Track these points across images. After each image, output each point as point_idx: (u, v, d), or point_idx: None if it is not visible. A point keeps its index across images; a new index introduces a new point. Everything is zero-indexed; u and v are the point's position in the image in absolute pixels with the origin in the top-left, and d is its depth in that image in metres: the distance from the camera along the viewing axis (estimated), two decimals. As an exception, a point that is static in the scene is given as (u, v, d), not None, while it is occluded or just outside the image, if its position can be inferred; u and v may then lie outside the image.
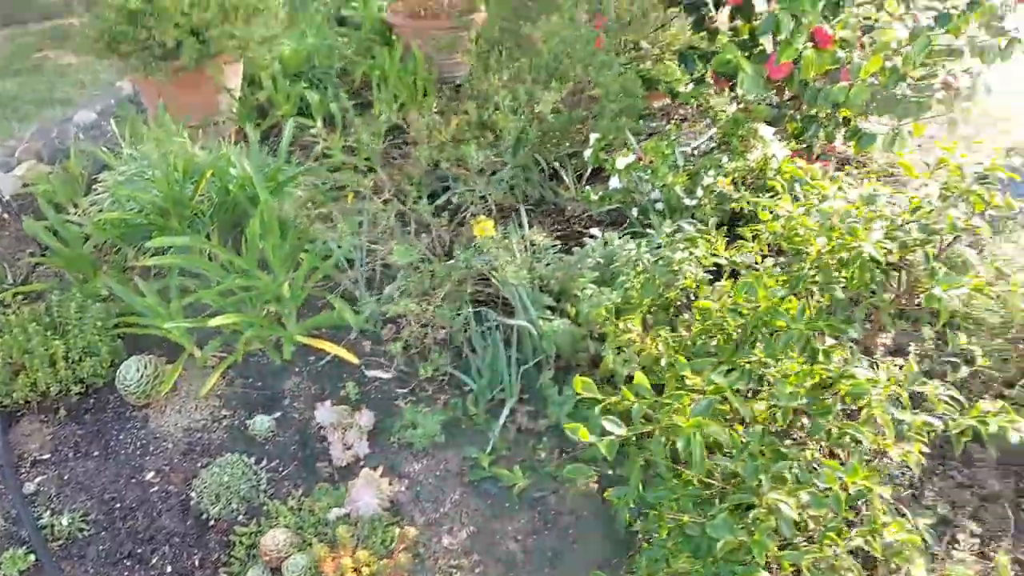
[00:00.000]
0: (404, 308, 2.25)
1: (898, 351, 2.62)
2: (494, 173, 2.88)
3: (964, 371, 2.07)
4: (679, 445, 1.44)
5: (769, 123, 3.79)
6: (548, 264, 2.42)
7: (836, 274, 1.69)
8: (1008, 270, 1.98)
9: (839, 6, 3.16)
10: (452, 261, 2.42)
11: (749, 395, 1.73)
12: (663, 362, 1.81)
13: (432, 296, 2.39)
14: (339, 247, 2.64)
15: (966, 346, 2.07)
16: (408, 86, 4.29)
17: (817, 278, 1.75)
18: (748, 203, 2.13)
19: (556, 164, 3.51)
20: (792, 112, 3.45)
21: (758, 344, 1.70)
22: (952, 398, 1.84)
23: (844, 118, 3.40)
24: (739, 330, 1.77)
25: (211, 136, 3.80)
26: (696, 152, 3.55)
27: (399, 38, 4.63)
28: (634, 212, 2.94)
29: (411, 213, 2.55)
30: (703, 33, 3.69)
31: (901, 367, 1.85)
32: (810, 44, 3.02)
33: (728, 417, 1.79)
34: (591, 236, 2.86)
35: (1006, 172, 1.73)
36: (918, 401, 1.86)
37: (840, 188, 1.81)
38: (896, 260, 1.66)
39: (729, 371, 1.71)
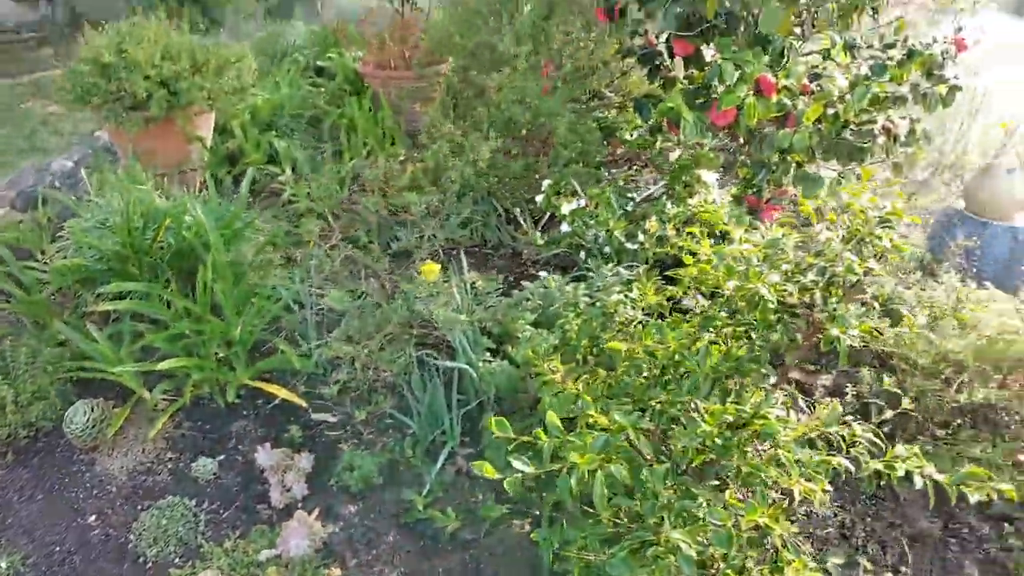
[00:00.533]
0: (338, 351, 2.30)
1: (837, 391, 2.66)
2: (448, 218, 2.95)
3: (888, 414, 2.09)
4: (572, 482, 1.47)
5: (724, 168, 3.88)
6: (489, 307, 2.47)
7: (746, 316, 1.74)
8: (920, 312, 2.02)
9: (783, 55, 3.27)
10: (393, 305, 2.48)
11: (661, 435, 1.76)
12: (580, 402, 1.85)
13: (375, 339, 2.44)
14: (286, 291, 2.70)
15: (891, 388, 2.10)
16: (375, 135, 4.40)
17: (730, 320, 1.79)
18: (673, 247, 2.19)
19: (517, 209, 3.59)
20: (744, 157, 3.54)
21: (670, 385, 1.74)
22: (870, 440, 1.87)
23: (797, 163, 3.49)
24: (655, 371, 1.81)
25: (175, 183, 3.89)
26: (652, 197, 3.63)
27: (369, 88, 4.76)
28: (582, 255, 3.01)
29: (361, 257, 2.62)
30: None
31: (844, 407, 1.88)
32: (755, 92, 3.12)
33: (647, 457, 1.82)
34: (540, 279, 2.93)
35: (908, 216, 1.78)
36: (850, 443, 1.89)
37: (747, 231, 1.87)
38: (796, 302, 1.71)
39: (640, 411, 1.75)
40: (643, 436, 1.63)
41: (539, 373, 2.04)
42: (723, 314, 1.82)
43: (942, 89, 3.31)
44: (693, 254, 2.08)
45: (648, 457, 1.80)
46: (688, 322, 1.98)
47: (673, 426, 1.85)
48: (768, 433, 1.73)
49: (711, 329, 1.87)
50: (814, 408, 2.13)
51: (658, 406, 1.74)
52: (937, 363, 2.37)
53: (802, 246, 1.84)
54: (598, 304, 2.36)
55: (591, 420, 1.63)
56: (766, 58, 3.26)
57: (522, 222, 3.56)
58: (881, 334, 1.78)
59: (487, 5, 3.72)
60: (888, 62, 3.06)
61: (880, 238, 1.75)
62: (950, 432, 2.32)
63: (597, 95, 4.52)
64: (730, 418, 1.81)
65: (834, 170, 3.39)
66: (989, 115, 4.41)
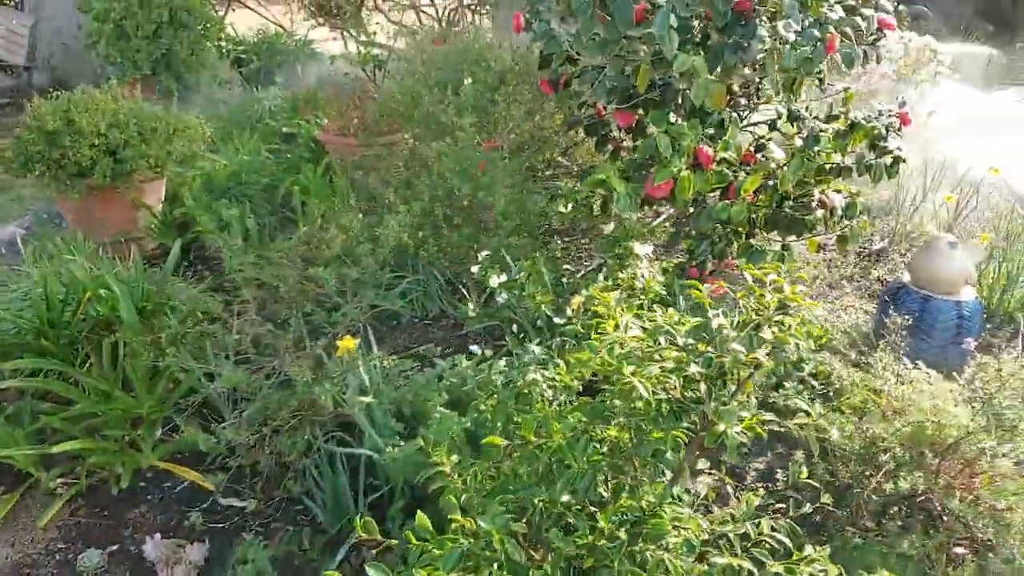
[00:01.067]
0: (222, 436, 2.19)
1: (770, 475, 2.54)
2: (390, 288, 2.87)
3: (808, 507, 1.97)
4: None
5: (670, 239, 3.82)
6: (400, 387, 2.37)
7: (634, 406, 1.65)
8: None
9: (723, 127, 3.24)
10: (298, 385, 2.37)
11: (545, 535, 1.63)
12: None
13: (277, 420, 2.33)
14: (200, 368, 2.60)
15: (808, 480, 1.98)
16: (330, 203, 4.36)
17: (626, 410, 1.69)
18: (581, 327, 2.10)
19: (464, 278, 3.51)
20: (688, 228, 3.48)
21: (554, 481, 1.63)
22: (778, 540, 1.74)
23: (746, 234, 3.42)
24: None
25: (122, 252, 3.83)
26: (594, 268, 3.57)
27: (328, 156, 4.76)
28: (514, 328, 2.92)
29: (265, 335, 2.53)
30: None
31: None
32: (693, 164, 3.07)
33: (532, 560, 1.69)
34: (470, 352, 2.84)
35: (803, 301, 1.69)
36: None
37: (639, 316, 1.78)
38: (679, 396, 1.61)
39: (522, 509, 1.63)
40: (514, 541, 1.51)
41: (433, 462, 1.93)
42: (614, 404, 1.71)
43: (887, 161, 3.27)
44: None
45: (535, 559, 1.68)
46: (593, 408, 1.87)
47: (567, 522, 1.73)
48: (656, 534, 1.61)
49: (607, 418, 1.76)
50: (738, 497, 2.01)
51: (540, 504, 1.62)
52: (868, 448, 2.25)
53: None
54: (512, 384, 2.26)
55: (457, 524, 1.51)
56: (709, 129, 3.23)
57: (466, 293, 3.49)
58: (785, 417, 1.67)
59: (434, 76, 3.72)
60: (821, 134, 3.02)
61: (780, 324, 1.66)
62: (880, 523, 2.19)
63: (552, 164, 4.51)
64: (632, 514, 1.70)
65: (777, 241, 3.32)
66: (944, 186, 4.37)
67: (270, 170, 4.79)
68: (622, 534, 1.70)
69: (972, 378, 2.67)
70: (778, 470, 2.48)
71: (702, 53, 2.98)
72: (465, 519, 1.52)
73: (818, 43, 2.94)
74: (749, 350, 1.54)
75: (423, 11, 7.62)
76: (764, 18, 2.94)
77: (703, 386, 1.55)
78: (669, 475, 1.76)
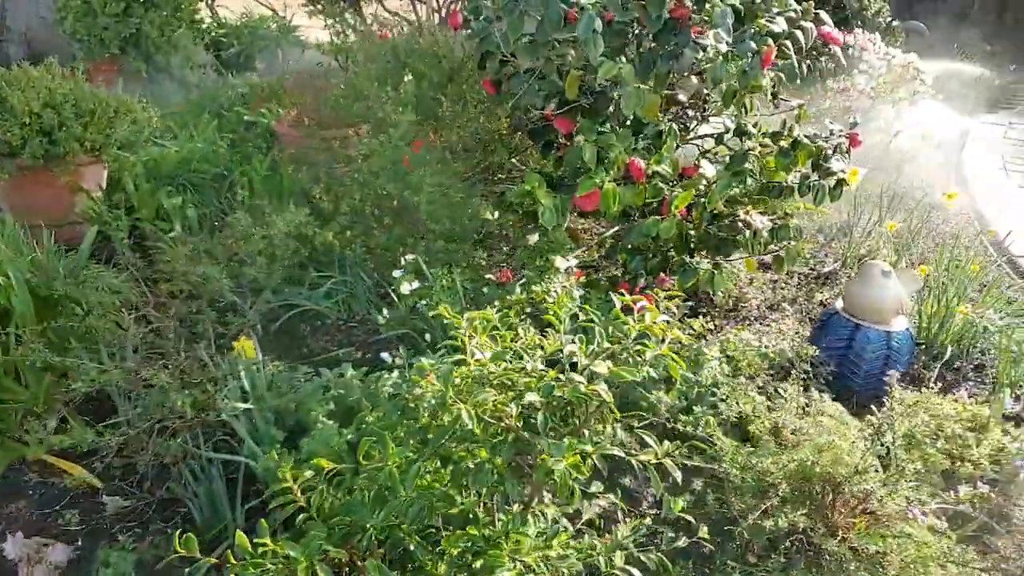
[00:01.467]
0: (95, 436, 2.12)
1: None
2: (315, 287, 2.78)
3: (683, 540, 1.89)
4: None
5: (607, 254, 3.73)
6: (284, 394, 2.29)
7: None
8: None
9: (660, 138, 3.15)
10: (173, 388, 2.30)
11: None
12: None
13: (159, 419, 2.26)
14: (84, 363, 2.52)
15: (681, 514, 1.90)
16: (276, 195, 4.28)
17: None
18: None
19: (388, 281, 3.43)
20: (624, 243, 3.39)
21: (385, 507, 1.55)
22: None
23: (687, 250, 3.34)
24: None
25: (57, 238, 3.75)
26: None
27: (280, 147, 4.68)
28: (427, 337, 2.85)
29: (155, 338, 2.46)
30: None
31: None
32: (624, 177, 2.98)
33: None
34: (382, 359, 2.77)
35: (660, 332, 1.61)
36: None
37: (501, 339, 1.70)
38: (512, 424, 1.53)
39: (349, 535, 1.56)
40: (328, 568, 1.43)
41: (279, 477, 1.85)
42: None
43: (830, 182, 3.18)
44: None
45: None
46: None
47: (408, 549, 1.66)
48: (492, 565, 1.54)
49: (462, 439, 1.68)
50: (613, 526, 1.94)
51: (371, 530, 1.55)
52: (759, 482, 2.17)
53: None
54: (398, 398, 2.19)
55: (266, 548, 1.44)
56: (646, 141, 3.14)
57: (395, 297, 3.41)
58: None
59: (373, 70, 3.64)
60: (750, 151, 2.93)
61: (639, 354, 1.58)
62: (762, 559, 2.11)
63: (506, 167, 4.42)
64: (476, 544, 1.63)
65: (708, 260, 3.24)
66: (904, 208, 4.28)
67: (223, 159, 4.71)
68: (477, 564, 1.63)
69: (890, 412, 2.59)
70: (676, 496, 2.40)
71: (638, 60, 2.90)
72: (275, 542, 1.44)
73: (754, 56, 2.85)
74: (592, 381, 1.46)
75: (422, 1, 7.50)
76: (709, 28, 2.84)
77: (540, 416, 1.47)
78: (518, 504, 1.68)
